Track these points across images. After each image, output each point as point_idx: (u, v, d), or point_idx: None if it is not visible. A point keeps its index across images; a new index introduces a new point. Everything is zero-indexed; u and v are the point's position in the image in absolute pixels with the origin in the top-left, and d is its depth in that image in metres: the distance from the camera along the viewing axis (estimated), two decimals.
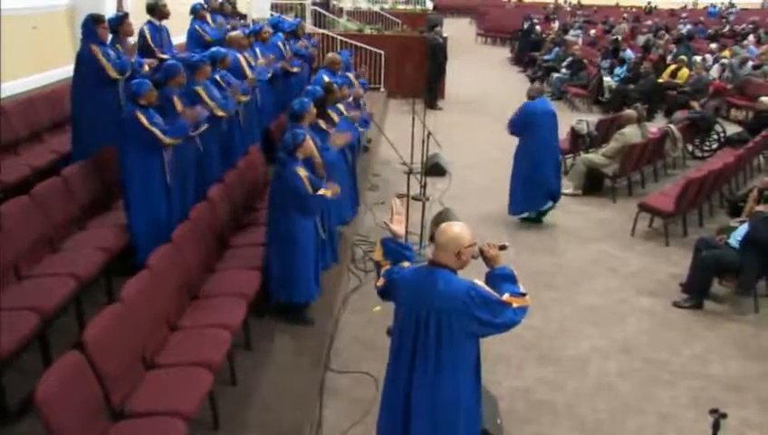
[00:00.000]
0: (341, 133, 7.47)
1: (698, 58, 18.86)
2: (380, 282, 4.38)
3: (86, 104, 7.42)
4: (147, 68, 8.00)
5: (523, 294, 4.10)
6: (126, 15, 8.16)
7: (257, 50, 10.14)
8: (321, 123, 7.46)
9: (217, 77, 8.08)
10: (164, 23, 9.45)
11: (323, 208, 6.62)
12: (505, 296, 4.02)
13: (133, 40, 8.38)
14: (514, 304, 4.03)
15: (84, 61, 7.38)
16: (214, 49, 8.65)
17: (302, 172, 6.15)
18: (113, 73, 7.39)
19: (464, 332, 4.01)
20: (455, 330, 3.99)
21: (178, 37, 10.94)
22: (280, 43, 11.11)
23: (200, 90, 7.43)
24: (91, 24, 7.39)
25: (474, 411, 4.27)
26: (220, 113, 7.62)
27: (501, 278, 4.17)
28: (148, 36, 9.04)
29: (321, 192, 6.22)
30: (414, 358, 4.10)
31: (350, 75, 10.42)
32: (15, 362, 4.82)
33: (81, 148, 7.43)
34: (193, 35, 10.66)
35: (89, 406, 4.11)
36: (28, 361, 4.95)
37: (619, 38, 20.80)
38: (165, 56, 8.69)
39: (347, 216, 8.59)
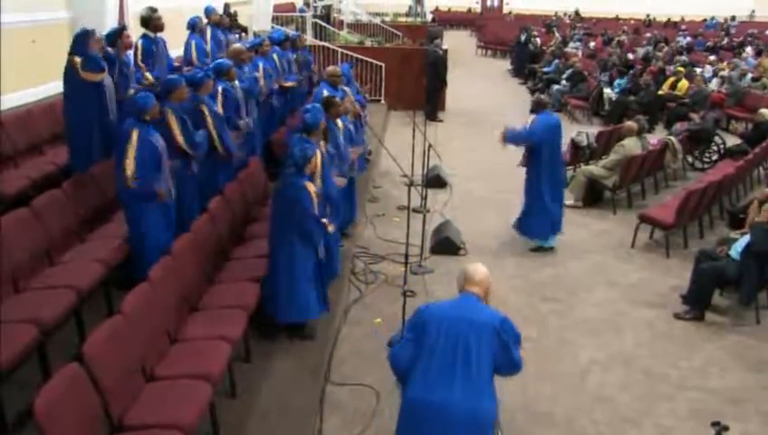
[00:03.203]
0: (340, 178, 7.43)
1: (698, 70, 18.88)
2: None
3: (75, 117, 7.42)
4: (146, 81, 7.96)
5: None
6: (124, 28, 8.13)
7: (260, 64, 10.16)
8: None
9: (220, 89, 8.09)
10: (160, 35, 9.40)
11: (322, 237, 6.42)
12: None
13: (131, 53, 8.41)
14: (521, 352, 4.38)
15: (67, 74, 7.36)
16: (219, 60, 8.65)
17: (312, 187, 6.09)
18: (90, 77, 7.27)
19: (492, 350, 4.23)
20: (489, 347, 4.22)
21: (178, 50, 10.96)
22: (275, 56, 11.10)
23: (171, 117, 6.99)
24: (84, 38, 7.37)
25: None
26: (185, 148, 7.15)
27: None
28: (139, 52, 8.98)
29: (324, 221, 6.21)
30: (454, 375, 4.19)
31: (347, 89, 10.38)
32: (14, 375, 4.82)
33: (78, 160, 7.44)
34: (187, 51, 10.66)
35: (88, 419, 4.11)
36: (27, 373, 4.95)
37: (630, 56, 20.58)
38: (149, 76, 8.58)
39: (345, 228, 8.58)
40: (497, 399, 4.34)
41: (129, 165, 6.16)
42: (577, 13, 40.68)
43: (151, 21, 9.16)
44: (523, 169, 9.35)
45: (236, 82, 8.63)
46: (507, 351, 4.25)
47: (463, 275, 4.51)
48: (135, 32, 9.33)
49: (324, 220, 6.23)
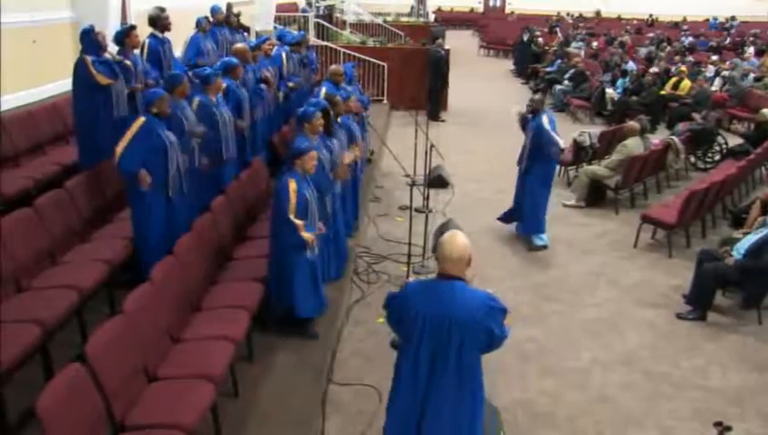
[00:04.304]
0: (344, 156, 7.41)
1: (703, 70, 18.88)
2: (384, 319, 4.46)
3: (84, 114, 7.50)
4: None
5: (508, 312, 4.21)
6: (133, 28, 8.16)
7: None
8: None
9: (224, 86, 8.09)
10: (167, 34, 9.42)
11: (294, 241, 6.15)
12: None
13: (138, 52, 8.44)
14: (505, 323, 4.15)
15: (78, 71, 7.43)
16: (225, 59, 8.68)
17: (293, 185, 6.00)
18: (102, 79, 7.38)
19: (477, 345, 4.08)
20: (474, 342, 4.05)
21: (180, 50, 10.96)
22: (284, 54, 11.10)
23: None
24: (91, 37, 7.46)
25: (480, 426, 4.31)
26: (197, 133, 7.27)
27: None
28: (145, 51, 9.00)
29: (299, 223, 5.97)
30: (432, 375, 4.10)
31: (349, 88, 10.39)
32: (17, 375, 4.81)
33: (87, 157, 7.50)
34: (190, 50, 10.64)
35: (90, 419, 4.11)
36: (29, 373, 4.95)
37: (632, 64, 20.38)
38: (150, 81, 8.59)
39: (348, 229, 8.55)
40: (484, 396, 4.30)
41: (121, 145, 6.24)
42: (597, 13, 40.77)
43: (159, 21, 9.18)
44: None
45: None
46: (493, 336, 4.05)
47: (439, 254, 4.11)
48: (142, 32, 9.33)
49: (299, 222, 5.98)
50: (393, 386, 4.37)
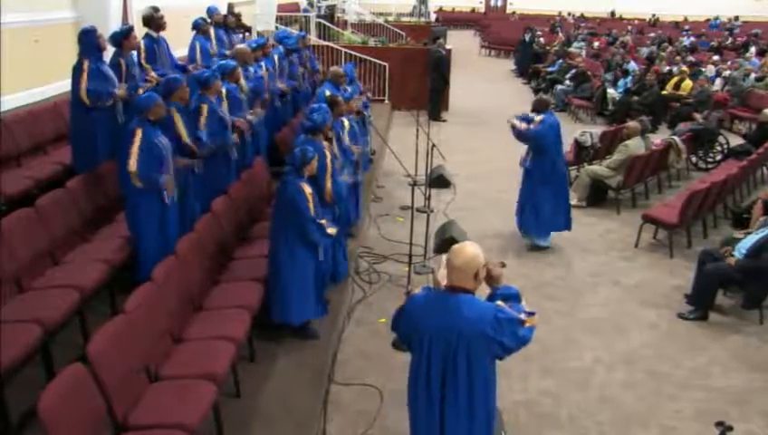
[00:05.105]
0: (348, 175, 7.42)
1: (703, 70, 18.89)
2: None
3: (81, 118, 7.40)
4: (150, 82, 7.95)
5: (533, 313, 4.12)
6: (131, 29, 8.10)
7: (262, 63, 10.11)
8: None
9: (224, 90, 8.06)
10: (163, 34, 9.31)
11: (322, 236, 6.24)
12: (522, 316, 4.05)
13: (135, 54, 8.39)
14: (527, 324, 4.05)
15: (75, 75, 7.30)
16: (222, 62, 8.62)
17: (307, 189, 6.04)
18: (84, 96, 7.20)
19: (490, 355, 4.05)
20: (483, 354, 4.02)
21: (182, 50, 10.93)
22: (276, 57, 11.03)
23: (176, 115, 7.02)
24: (92, 36, 7.32)
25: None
26: (186, 141, 7.10)
27: (509, 298, 4.18)
28: (143, 52, 8.94)
29: (323, 222, 6.08)
30: (444, 387, 4.08)
31: (349, 88, 10.37)
32: (18, 375, 4.82)
33: (82, 162, 7.43)
34: (191, 52, 10.60)
35: (92, 419, 4.11)
36: (31, 373, 4.95)
37: (633, 64, 20.31)
38: (154, 75, 8.49)
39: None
40: (496, 406, 4.28)
41: (133, 164, 6.13)
42: (612, 13, 40.76)
43: (153, 20, 9.12)
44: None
45: (243, 81, 8.62)
46: (505, 347, 4.00)
47: (447, 262, 4.07)
48: (139, 32, 9.31)
49: (323, 221, 6.12)
50: (409, 396, 4.32)
